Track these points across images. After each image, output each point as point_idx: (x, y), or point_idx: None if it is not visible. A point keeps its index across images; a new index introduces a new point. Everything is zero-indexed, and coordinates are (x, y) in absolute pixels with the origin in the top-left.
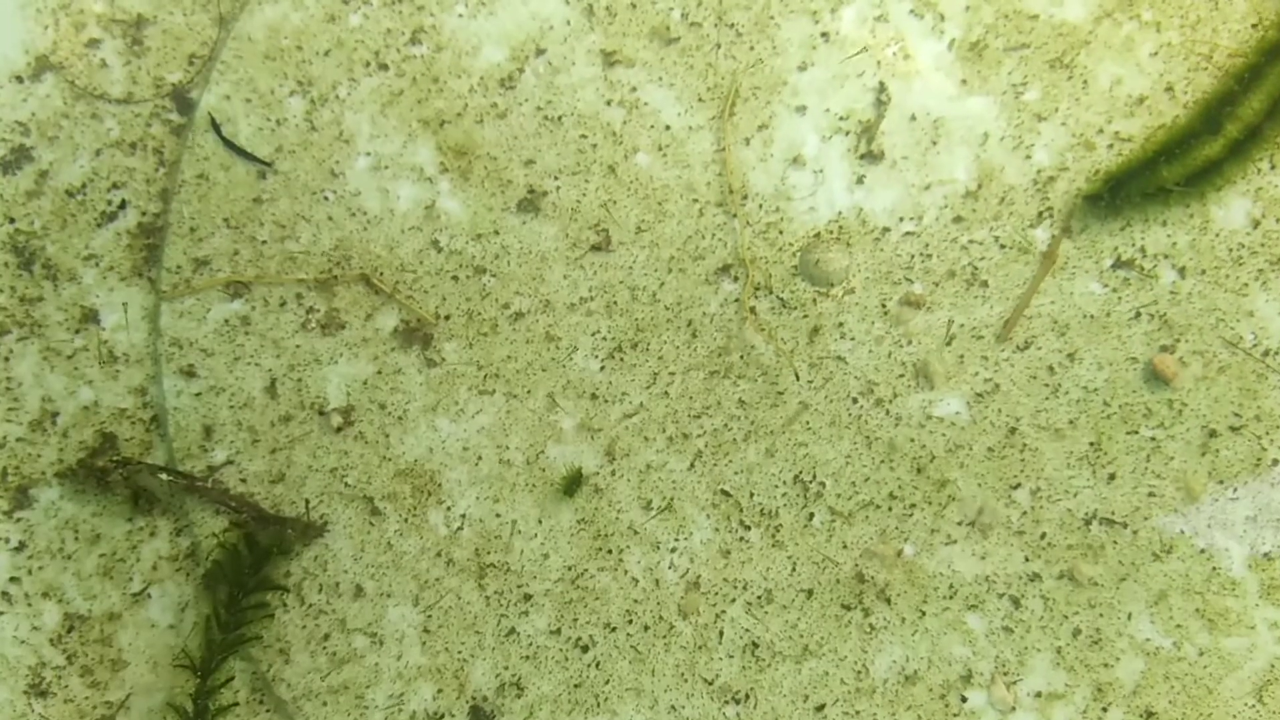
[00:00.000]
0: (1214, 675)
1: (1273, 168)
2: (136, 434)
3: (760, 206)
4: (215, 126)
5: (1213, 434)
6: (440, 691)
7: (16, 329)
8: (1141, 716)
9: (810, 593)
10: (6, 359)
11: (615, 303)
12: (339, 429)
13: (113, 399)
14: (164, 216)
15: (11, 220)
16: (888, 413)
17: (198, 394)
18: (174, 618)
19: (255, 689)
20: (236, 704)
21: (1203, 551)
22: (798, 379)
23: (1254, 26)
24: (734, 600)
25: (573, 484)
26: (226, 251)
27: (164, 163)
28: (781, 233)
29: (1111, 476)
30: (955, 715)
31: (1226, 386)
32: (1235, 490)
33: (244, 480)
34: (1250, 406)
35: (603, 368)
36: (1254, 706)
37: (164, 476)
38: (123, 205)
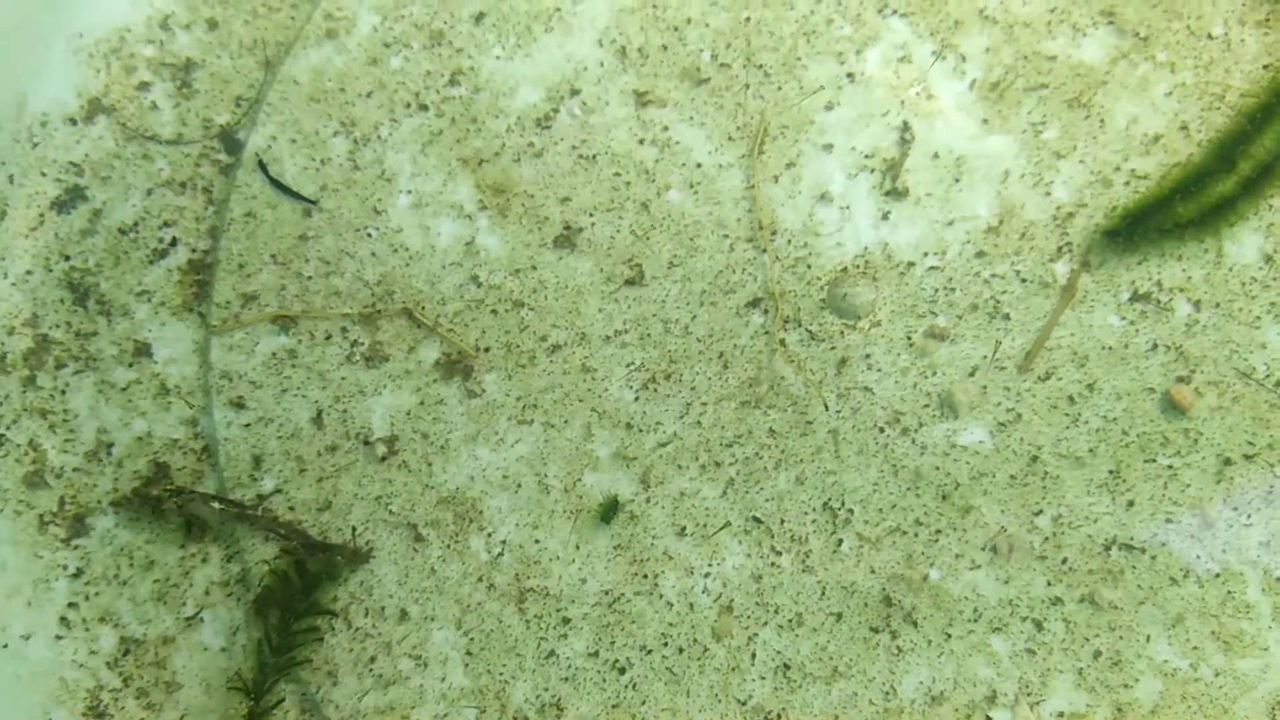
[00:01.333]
0: (1229, 695)
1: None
2: (189, 464)
3: (789, 242)
4: (262, 166)
5: (1227, 462)
6: (483, 713)
7: (73, 362)
8: None
9: (839, 616)
10: (64, 392)
11: (649, 335)
12: (383, 458)
13: (165, 430)
14: (213, 253)
15: (67, 258)
16: (913, 441)
17: (247, 425)
18: (226, 641)
19: (305, 710)
20: None
21: (1218, 576)
22: (826, 409)
23: (1265, 67)
24: (766, 623)
25: (609, 511)
26: (273, 287)
27: (213, 201)
28: (809, 267)
29: (1130, 503)
30: None
31: (1240, 416)
32: (1249, 517)
33: (292, 508)
34: (1263, 435)
35: (637, 398)
36: None
37: (216, 505)
38: (174, 243)
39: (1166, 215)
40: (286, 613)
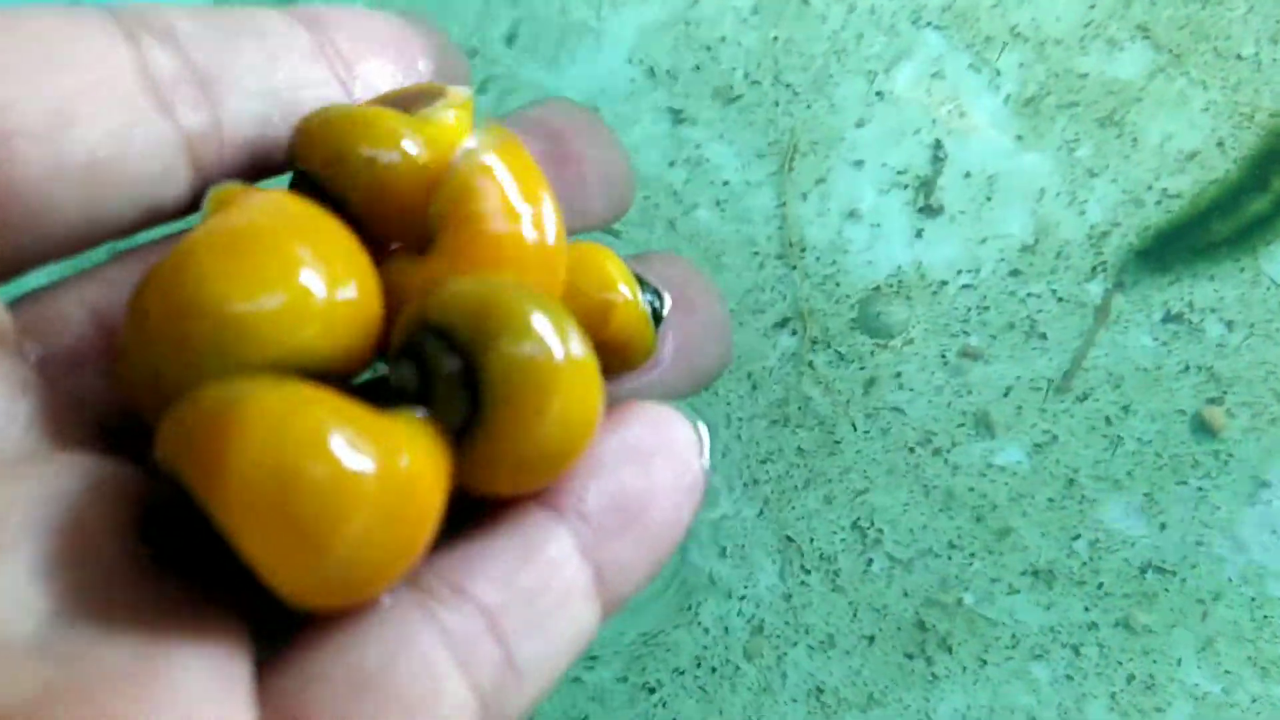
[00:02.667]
0: None
1: None
2: None
3: (818, 259)
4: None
5: (1263, 484)
6: None
7: None
8: None
9: (871, 640)
10: None
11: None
12: None
13: None
14: None
15: None
16: (945, 461)
17: None
18: None
19: None
20: None
21: (1253, 600)
22: (855, 429)
23: None
24: (795, 644)
25: None
26: None
27: None
28: (839, 285)
29: (1163, 526)
30: None
31: (1276, 438)
32: None
33: None
34: None
35: None
36: None
37: None
38: None
39: (1200, 234)
40: None
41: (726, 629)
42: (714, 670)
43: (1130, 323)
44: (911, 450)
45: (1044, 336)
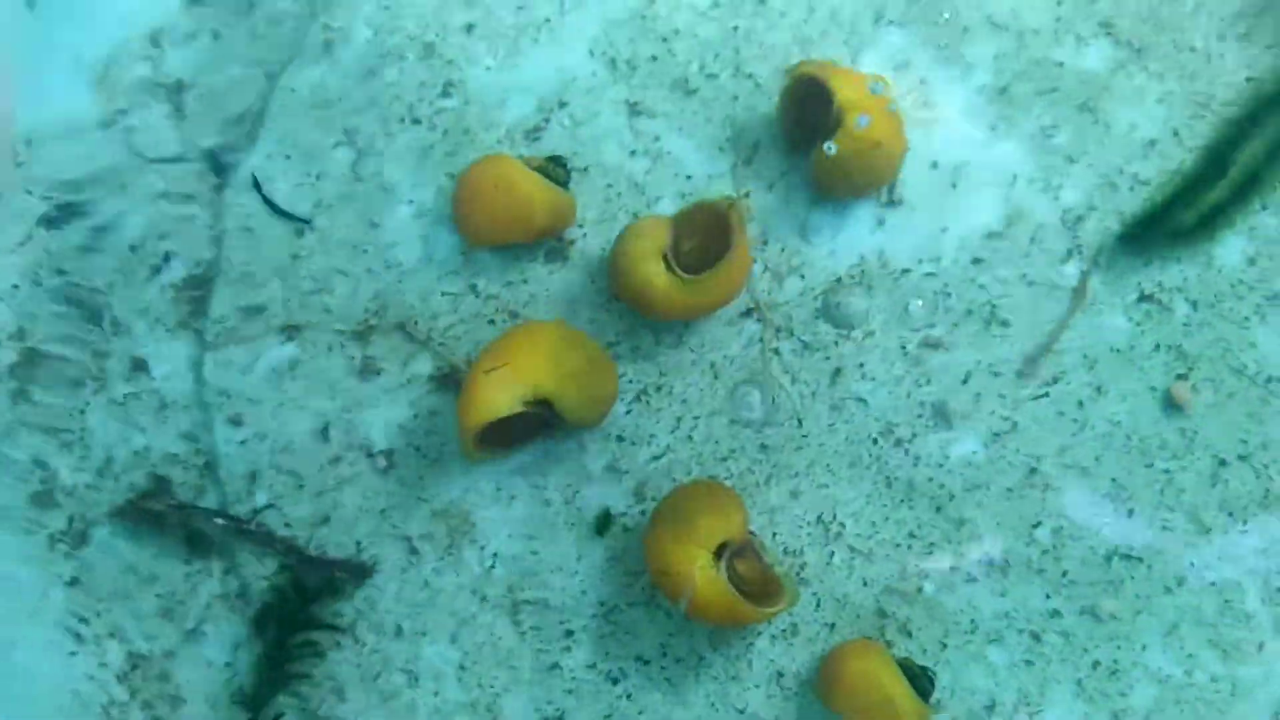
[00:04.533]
0: (1225, 700)
1: (1264, 208)
2: (190, 479)
3: (782, 250)
4: (256, 185)
5: (1222, 463)
6: None
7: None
8: None
9: (832, 626)
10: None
11: (639, 348)
12: (384, 470)
13: (164, 444)
14: (212, 268)
15: (62, 272)
16: (906, 452)
17: (243, 441)
18: (229, 655)
19: None
20: None
21: (1213, 584)
22: (800, 425)
23: (1247, 80)
24: (760, 633)
25: (603, 524)
26: (274, 302)
27: (208, 223)
28: (803, 277)
29: (1131, 512)
30: None
31: (1235, 413)
32: (1245, 524)
33: (288, 524)
34: (1256, 433)
35: (629, 411)
36: None
37: (218, 520)
38: (168, 258)
39: (1169, 221)
40: (285, 628)
41: (687, 619)
42: (679, 660)
43: (1105, 304)
44: (875, 442)
45: (1005, 324)
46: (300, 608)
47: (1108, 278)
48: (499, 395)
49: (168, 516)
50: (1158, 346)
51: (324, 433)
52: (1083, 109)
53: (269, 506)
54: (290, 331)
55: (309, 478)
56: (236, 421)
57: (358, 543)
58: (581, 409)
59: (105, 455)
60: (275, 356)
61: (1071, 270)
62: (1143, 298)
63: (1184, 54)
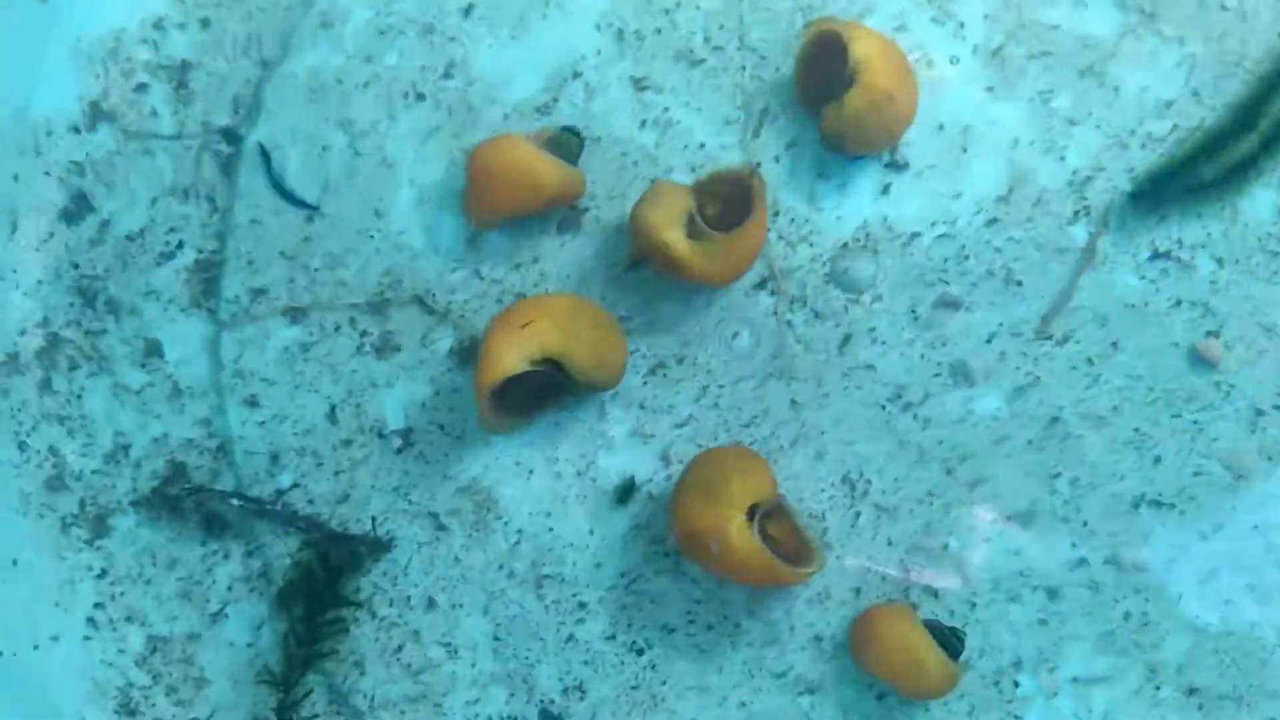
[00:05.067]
0: (1266, 648)
1: None
2: (205, 462)
3: (791, 221)
4: (265, 162)
5: (1260, 412)
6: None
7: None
8: (1187, 693)
9: (858, 591)
10: (79, 396)
11: (655, 321)
12: (399, 450)
13: (181, 431)
14: (221, 252)
15: (76, 265)
16: (915, 416)
17: (261, 422)
18: (251, 636)
19: (333, 700)
20: (317, 715)
21: (1256, 528)
22: (819, 385)
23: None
24: (797, 598)
25: (625, 492)
26: (283, 280)
27: (217, 208)
28: (812, 245)
29: (1157, 459)
30: (1009, 701)
31: (1269, 369)
32: None
33: (311, 501)
34: None
35: (646, 383)
36: None
37: (235, 501)
38: (180, 245)
39: (1189, 175)
40: (311, 604)
41: (721, 584)
42: (710, 627)
43: (1115, 264)
44: (882, 407)
45: (1020, 284)
46: (327, 584)
47: (1118, 238)
48: (509, 354)
49: (184, 501)
50: (1178, 303)
51: (339, 412)
52: (1084, 74)
53: (295, 486)
54: (303, 311)
55: (328, 457)
56: (253, 403)
57: (373, 519)
58: (590, 367)
59: (122, 443)
60: (288, 336)
61: (1079, 232)
62: (1156, 255)
63: (1212, 14)
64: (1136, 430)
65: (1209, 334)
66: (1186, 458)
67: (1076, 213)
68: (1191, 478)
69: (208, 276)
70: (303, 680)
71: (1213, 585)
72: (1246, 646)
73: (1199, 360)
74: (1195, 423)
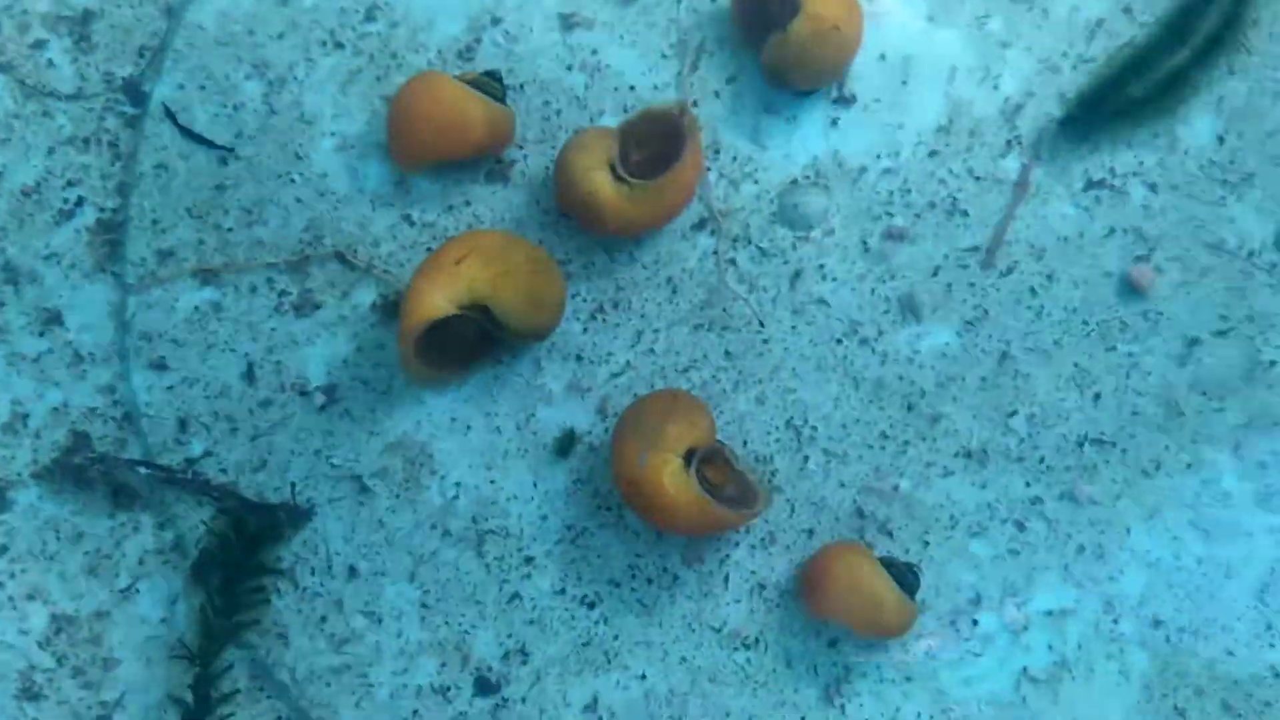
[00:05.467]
0: (1215, 581)
1: (1231, 73)
2: (110, 431)
3: (734, 159)
4: (170, 115)
5: (1194, 342)
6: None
7: None
8: (1150, 625)
9: (811, 532)
10: None
11: (592, 264)
12: (322, 408)
13: (82, 399)
14: (124, 210)
15: None
16: (873, 351)
17: (170, 387)
18: (165, 611)
19: (255, 676)
20: (238, 691)
21: (1189, 466)
22: (763, 326)
23: None
24: (736, 544)
25: (566, 444)
26: (192, 241)
27: (120, 156)
28: (757, 183)
29: (1097, 397)
30: (967, 639)
31: (1210, 290)
32: (1222, 400)
33: (224, 470)
34: (1239, 307)
35: (585, 329)
36: (1256, 608)
37: (142, 470)
38: (80, 202)
39: (1119, 96)
40: (228, 574)
41: (659, 536)
42: (650, 580)
43: (1050, 194)
44: (839, 342)
45: (966, 214)
46: (245, 553)
47: (1051, 168)
48: (435, 296)
49: (89, 471)
50: (1111, 231)
51: (257, 370)
52: None
53: (207, 455)
54: (216, 270)
55: (242, 421)
56: (160, 366)
57: (292, 485)
58: (523, 312)
59: (19, 412)
60: (200, 298)
61: (1012, 164)
62: (1090, 184)
63: None
64: (1077, 366)
65: (1138, 259)
66: (1124, 396)
67: (1009, 143)
68: (1130, 416)
69: (111, 238)
70: (221, 655)
71: (1159, 522)
72: (1196, 581)
73: (1130, 290)
74: (1130, 355)
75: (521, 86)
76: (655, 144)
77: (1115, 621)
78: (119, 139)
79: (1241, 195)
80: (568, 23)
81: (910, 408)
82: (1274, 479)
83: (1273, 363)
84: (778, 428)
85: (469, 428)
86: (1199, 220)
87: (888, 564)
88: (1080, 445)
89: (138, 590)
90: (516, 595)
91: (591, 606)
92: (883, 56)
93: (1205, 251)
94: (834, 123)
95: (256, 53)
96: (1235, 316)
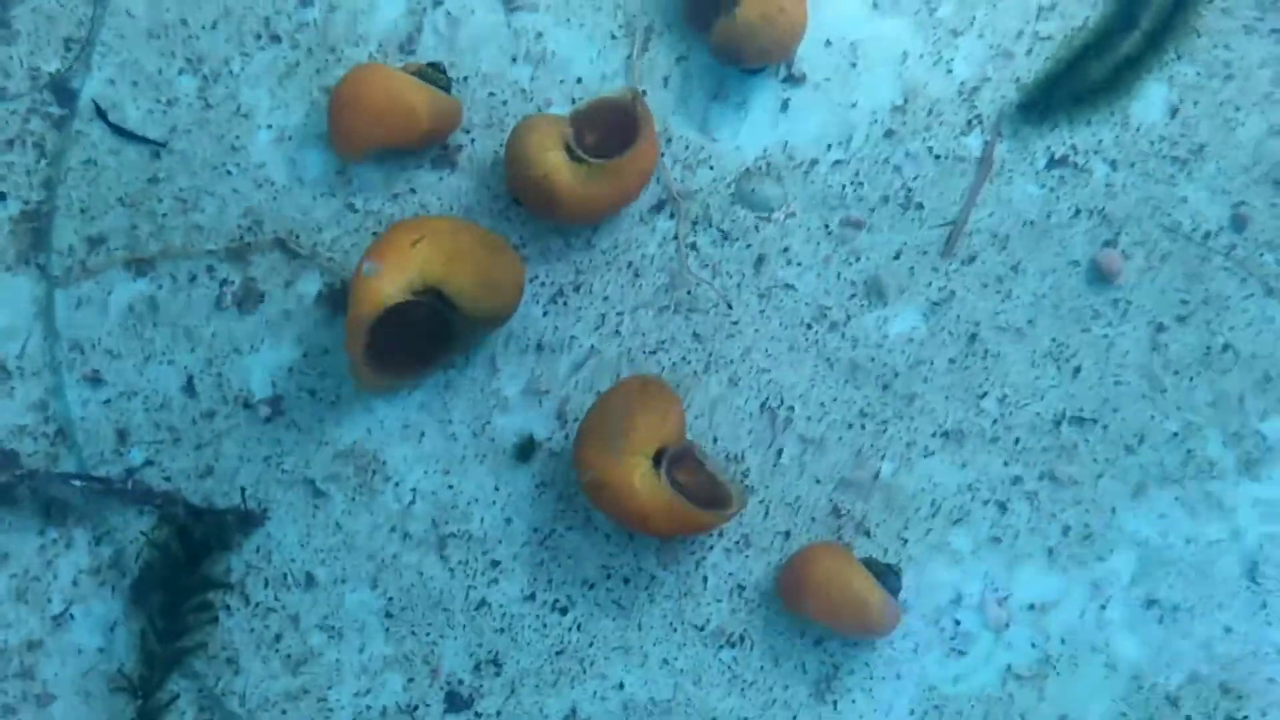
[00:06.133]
0: (1206, 559)
1: (1179, 57)
2: (41, 448)
3: (687, 146)
4: (100, 112)
5: (1160, 328)
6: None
7: None
8: (1143, 606)
9: (787, 534)
10: None
11: (548, 249)
12: (267, 419)
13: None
14: (49, 203)
15: None
16: (844, 335)
17: (107, 400)
18: (102, 639)
19: (204, 707)
20: None
21: (1175, 435)
22: (730, 308)
23: None
24: (712, 547)
25: (525, 451)
26: (124, 228)
27: (45, 154)
28: (713, 168)
29: (1077, 371)
30: (951, 638)
31: (1171, 274)
32: (1193, 378)
33: (168, 478)
34: (1197, 291)
35: (545, 313)
36: (1249, 587)
37: (76, 483)
38: (1, 197)
39: (1077, 79)
40: (172, 591)
41: (632, 536)
42: (626, 581)
43: (1014, 172)
44: (809, 326)
45: (921, 206)
46: (190, 565)
47: (1013, 145)
48: (384, 282)
49: (17, 488)
50: (1077, 212)
51: (198, 383)
52: None
53: (148, 464)
54: (151, 259)
55: (185, 431)
56: (96, 380)
57: (242, 489)
58: (479, 294)
59: None
60: (134, 291)
61: (974, 142)
62: (1053, 162)
63: None
64: (1054, 341)
65: (1105, 244)
66: (1105, 369)
67: (970, 122)
68: (1112, 388)
69: (35, 227)
70: (166, 684)
71: (1144, 499)
72: (1189, 558)
73: (1099, 277)
74: (1105, 336)
75: (465, 79)
76: (607, 130)
77: (1103, 607)
78: (45, 138)
79: (1192, 172)
80: (510, 5)
81: (886, 387)
82: (1250, 450)
83: (1225, 346)
84: (752, 412)
85: (422, 434)
86: (1156, 200)
87: (869, 564)
88: (1057, 424)
89: (72, 616)
90: (484, 602)
91: (564, 612)
92: (828, 43)
93: (1164, 235)
94: (784, 105)
95: (190, 45)
96: (1194, 301)
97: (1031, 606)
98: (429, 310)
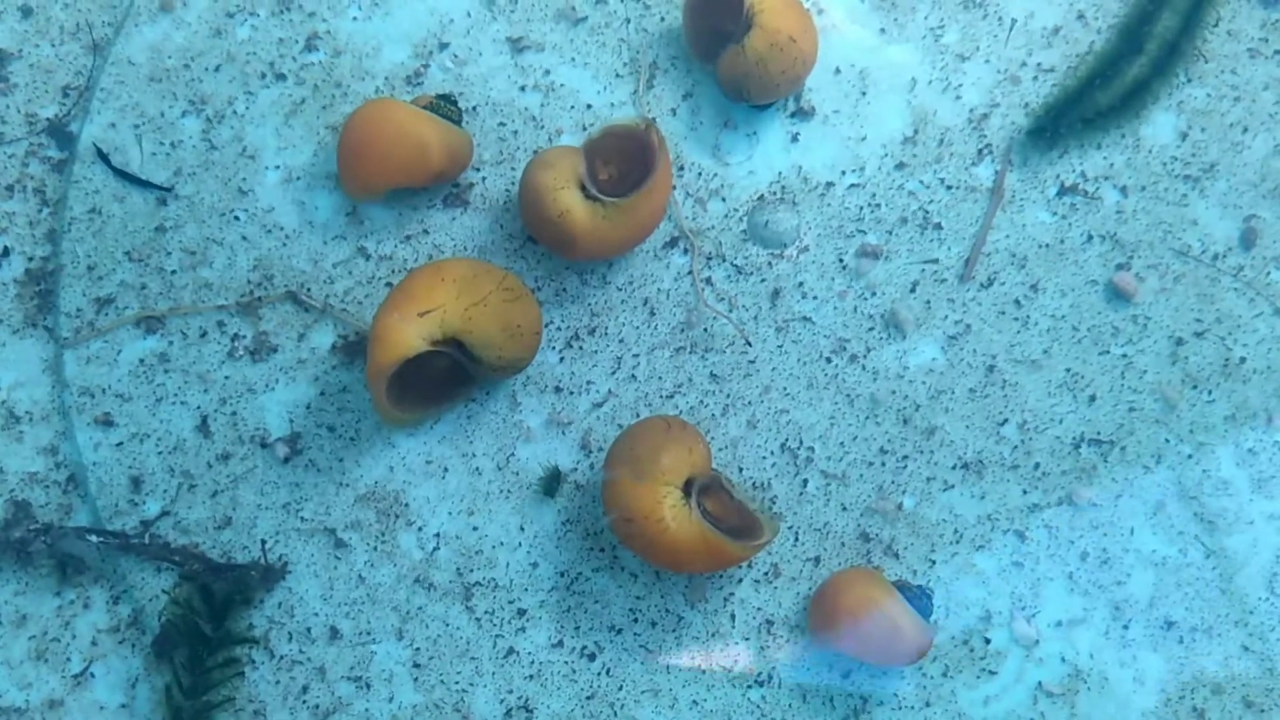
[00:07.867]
0: (1225, 575)
1: (1189, 81)
2: (53, 498)
3: (699, 175)
4: (102, 156)
5: (1179, 342)
6: None
7: None
8: (1161, 627)
9: (817, 560)
10: None
11: (564, 290)
12: (286, 460)
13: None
14: (55, 259)
15: None
16: (863, 368)
17: (119, 444)
18: (124, 696)
19: None
20: None
21: (1190, 456)
22: (749, 345)
23: None
24: (739, 580)
25: (552, 484)
26: (133, 286)
27: (47, 202)
28: (725, 199)
29: (1092, 398)
30: (981, 658)
31: (1185, 295)
32: (1210, 393)
33: (185, 530)
34: (1210, 311)
35: (561, 359)
36: (1268, 599)
37: (93, 538)
38: (5, 253)
39: (1086, 105)
40: (196, 648)
41: (659, 575)
42: (654, 624)
43: (1025, 200)
44: (828, 360)
45: (939, 227)
46: (213, 622)
47: (1024, 174)
48: (405, 333)
49: (31, 545)
50: (1090, 237)
51: (212, 423)
52: (968, 5)
53: (164, 514)
54: (161, 316)
55: (201, 477)
56: (107, 423)
57: (262, 542)
58: (499, 344)
59: None
60: (144, 348)
61: (985, 171)
62: (1064, 190)
63: None
64: (1069, 371)
65: (1118, 266)
66: (1120, 394)
67: (980, 151)
68: (1127, 413)
69: (41, 289)
70: None
71: (1162, 518)
72: (1207, 576)
73: (1116, 295)
74: (1124, 356)
75: (474, 109)
76: (621, 161)
77: (1125, 627)
78: (45, 184)
79: (1203, 191)
80: (517, 45)
81: (906, 421)
82: (1264, 466)
83: (1242, 359)
84: (773, 451)
85: (446, 470)
86: (1166, 224)
87: (900, 587)
88: (1076, 447)
89: (92, 674)
90: (512, 650)
91: (592, 658)
92: (837, 70)
93: (1175, 258)
94: (794, 138)
95: (193, 88)
96: (1207, 320)
97: (1059, 623)
98: (448, 358)
